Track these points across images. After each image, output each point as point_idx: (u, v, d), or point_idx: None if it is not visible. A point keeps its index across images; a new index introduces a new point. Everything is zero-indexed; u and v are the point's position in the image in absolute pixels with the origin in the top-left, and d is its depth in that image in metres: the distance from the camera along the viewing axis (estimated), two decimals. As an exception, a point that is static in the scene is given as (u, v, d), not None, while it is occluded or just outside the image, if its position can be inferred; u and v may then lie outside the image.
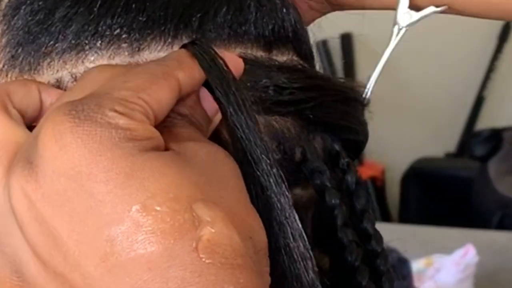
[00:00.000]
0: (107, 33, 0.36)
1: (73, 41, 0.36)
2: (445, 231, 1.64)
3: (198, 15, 0.37)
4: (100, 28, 0.36)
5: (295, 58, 0.39)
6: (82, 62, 0.36)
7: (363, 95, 0.41)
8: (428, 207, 2.16)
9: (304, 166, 0.38)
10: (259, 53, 0.38)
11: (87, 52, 0.36)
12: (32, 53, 0.37)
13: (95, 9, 0.36)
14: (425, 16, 0.42)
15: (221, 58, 0.34)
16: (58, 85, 0.36)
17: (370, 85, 0.42)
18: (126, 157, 0.29)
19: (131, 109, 0.30)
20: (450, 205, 2.11)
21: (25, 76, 0.37)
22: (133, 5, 0.36)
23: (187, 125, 0.33)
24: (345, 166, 0.39)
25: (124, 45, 0.36)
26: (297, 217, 0.32)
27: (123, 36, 0.36)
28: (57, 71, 0.36)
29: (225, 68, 0.34)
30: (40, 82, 0.36)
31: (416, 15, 0.42)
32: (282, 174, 0.32)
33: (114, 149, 0.29)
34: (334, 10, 0.44)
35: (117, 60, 0.36)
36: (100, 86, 0.32)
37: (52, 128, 0.30)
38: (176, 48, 0.36)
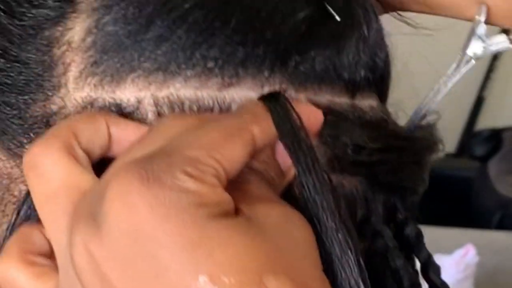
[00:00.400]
0: (200, 63, 0.34)
1: (163, 64, 0.34)
2: (445, 231, 1.64)
3: (297, 56, 0.35)
4: (194, 58, 0.34)
5: (375, 103, 0.38)
6: (168, 87, 0.34)
7: (439, 144, 0.41)
8: (428, 207, 2.16)
9: (365, 227, 0.37)
10: (344, 100, 0.37)
11: (175, 78, 0.34)
12: (118, 65, 0.35)
13: (193, 34, 0.34)
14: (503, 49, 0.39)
15: (296, 113, 0.33)
16: (138, 105, 0.34)
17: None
18: (194, 224, 0.28)
19: (202, 171, 0.29)
20: (450, 205, 2.11)
21: (105, 87, 0.34)
22: (234, 38, 0.34)
23: (259, 181, 0.32)
24: (403, 220, 0.39)
25: (215, 79, 0.34)
26: (363, 286, 0.31)
27: (216, 70, 0.34)
28: (140, 90, 0.34)
29: (298, 124, 0.33)
30: (109, 114, 0.34)
31: (493, 46, 0.39)
32: (349, 240, 0.31)
33: (182, 214, 0.28)
34: (386, 12, 0.42)
35: (203, 93, 0.34)
36: (172, 140, 0.31)
37: (119, 187, 0.29)
38: (267, 89, 0.35)
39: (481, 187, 2.11)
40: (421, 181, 0.40)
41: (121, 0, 0.35)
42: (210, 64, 0.34)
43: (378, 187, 0.38)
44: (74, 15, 0.35)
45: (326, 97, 0.36)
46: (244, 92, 0.34)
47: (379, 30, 0.38)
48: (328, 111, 0.35)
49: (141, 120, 0.35)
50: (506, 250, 1.54)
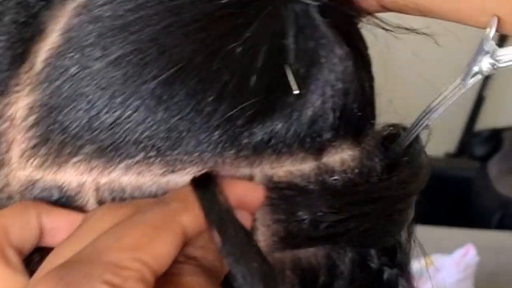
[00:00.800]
0: (142, 152, 0.33)
1: (104, 150, 0.34)
2: (445, 231, 1.64)
3: (247, 133, 0.33)
4: (134, 146, 0.33)
5: (349, 152, 0.36)
6: (109, 173, 0.33)
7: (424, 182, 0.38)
8: (428, 207, 2.16)
9: None
10: (307, 165, 0.35)
11: (116, 165, 0.33)
12: (60, 148, 0.34)
13: (133, 123, 0.33)
14: None
15: (224, 197, 0.31)
16: (80, 190, 0.34)
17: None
18: None
19: (124, 278, 0.28)
20: (450, 205, 2.11)
21: (47, 169, 0.34)
22: (178, 125, 0.33)
23: (196, 270, 0.31)
24: (379, 268, 0.37)
25: (158, 165, 0.33)
26: None
27: (158, 158, 0.33)
28: (81, 174, 0.34)
29: (226, 209, 0.31)
30: (39, 205, 0.33)
31: (501, 61, 0.36)
32: None
33: None
34: (383, 11, 0.40)
35: (146, 179, 0.33)
36: (97, 240, 0.29)
37: None
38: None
39: (481, 187, 2.11)
40: (399, 227, 0.38)
41: (65, 79, 0.34)
42: (151, 153, 0.33)
43: (343, 250, 0.36)
44: (18, 88, 0.35)
45: (283, 169, 0.34)
46: (189, 177, 0.33)
47: (346, 67, 0.35)
48: (285, 185, 0.34)
49: (83, 205, 0.34)
50: (506, 250, 1.54)
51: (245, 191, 0.33)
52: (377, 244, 0.37)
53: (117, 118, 0.33)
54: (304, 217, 0.34)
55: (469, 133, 2.36)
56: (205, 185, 0.32)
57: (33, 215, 0.33)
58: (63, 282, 0.27)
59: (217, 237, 0.30)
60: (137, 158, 0.33)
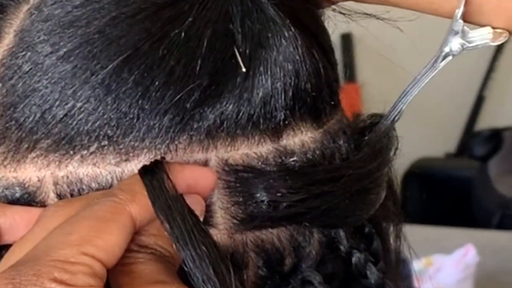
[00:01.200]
0: (94, 142, 0.34)
1: (58, 144, 0.34)
2: (445, 231, 1.64)
3: (198, 117, 0.34)
4: (87, 137, 0.34)
5: (308, 135, 0.36)
6: (66, 165, 0.34)
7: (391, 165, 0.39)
8: (428, 207, 2.16)
9: (293, 276, 0.36)
10: (265, 147, 0.35)
11: (72, 157, 0.34)
12: (17, 145, 0.35)
13: (83, 113, 0.34)
14: (482, 45, 0.37)
15: (171, 184, 0.32)
16: (40, 185, 0.34)
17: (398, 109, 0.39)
18: None
19: (73, 273, 0.28)
20: (450, 205, 2.11)
21: (7, 166, 0.35)
22: (127, 113, 0.34)
23: (149, 259, 0.31)
24: (348, 251, 0.37)
25: (111, 155, 0.34)
26: None
27: (111, 147, 0.34)
28: (40, 169, 0.34)
29: (172, 195, 0.31)
30: None
31: (471, 42, 0.36)
32: None
33: None
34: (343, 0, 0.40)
35: (102, 169, 0.34)
36: (46, 238, 0.30)
37: None
38: (169, 156, 0.34)
39: (481, 187, 2.12)
40: (366, 211, 0.38)
41: (19, 77, 0.35)
42: (104, 142, 0.34)
43: (308, 230, 0.36)
44: None
45: (239, 152, 0.35)
46: (145, 163, 0.33)
47: (296, 48, 0.35)
48: (242, 167, 0.34)
49: (44, 200, 0.35)
50: (506, 250, 1.54)
51: (195, 175, 0.33)
52: (343, 224, 0.37)
53: (69, 110, 0.34)
54: (263, 198, 0.35)
55: (469, 133, 2.36)
56: (152, 172, 0.32)
57: None
58: (13, 282, 0.28)
59: (165, 224, 0.31)
60: (91, 149, 0.34)
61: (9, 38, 0.35)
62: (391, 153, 0.39)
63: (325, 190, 0.35)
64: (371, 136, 0.38)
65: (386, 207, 0.40)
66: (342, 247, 0.37)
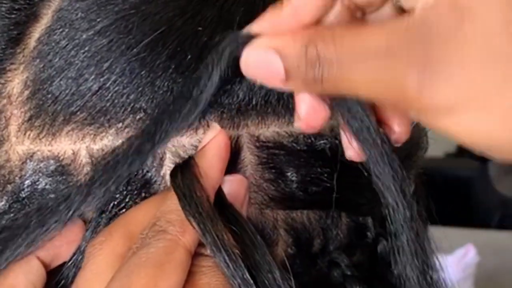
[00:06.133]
0: (130, 115, 0.35)
1: (94, 117, 0.35)
2: (445, 231, 1.63)
3: (227, 94, 0.35)
4: (122, 110, 0.35)
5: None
6: (101, 139, 0.35)
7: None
8: (428, 207, 2.16)
9: (321, 257, 0.36)
10: (296, 127, 0.35)
11: (107, 131, 0.35)
12: (53, 118, 0.35)
13: (120, 87, 0.35)
14: None
15: (202, 188, 0.32)
16: (74, 158, 0.35)
17: None
18: None
19: None
20: (450, 205, 2.11)
21: (43, 140, 0.35)
22: (161, 87, 0.34)
23: (210, 267, 0.31)
24: (375, 238, 0.38)
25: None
26: None
27: (147, 120, 0.34)
28: (75, 142, 0.35)
29: (203, 203, 0.32)
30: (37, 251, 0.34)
31: None
32: None
33: None
34: None
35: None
36: None
37: None
38: (201, 132, 0.34)
39: (481, 187, 2.11)
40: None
41: (56, 52, 0.35)
42: (139, 115, 0.34)
43: (337, 214, 0.37)
44: (14, 66, 0.36)
45: (270, 129, 0.35)
46: (177, 139, 0.35)
47: None
48: (272, 144, 0.35)
49: (78, 173, 0.35)
50: (506, 250, 1.54)
51: (231, 183, 0.34)
52: (370, 213, 0.38)
53: (104, 83, 0.34)
54: (293, 178, 0.35)
55: (469, 133, 2.36)
56: (182, 175, 0.32)
57: (34, 263, 0.34)
58: None
59: (197, 230, 0.31)
60: (126, 122, 0.34)
61: (47, 18, 0.36)
62: (419, 147, 0.40)
63: (352, 179, 0.36)
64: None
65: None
66: (369, 234, 0.38)
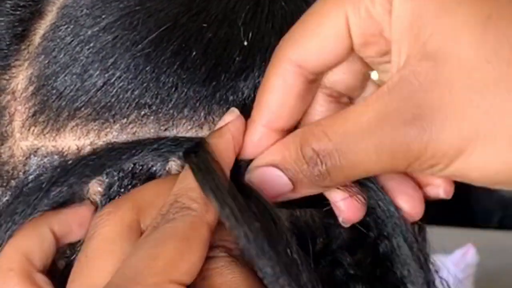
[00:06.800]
0: (134, 111, 0.35)
1: (98, 113, 0.35)
2: (445, 231, 1.64)
3: (231, 90, 0.35)
4: (127, 106, 0.35)
5: None
6: (105, 134, 0.35)
7: None
8: (428, 207, 2.15)
9: (324, 256, 0.36)
10: None
11: (111, 126, 0.35)
12: (57, 114, 0.35)
13: (125, 82, 0.35)
14: None
15: (218, 165, 0.32)
16: (79, 153, 0.35)
17: None
18: None
19: None
20: (450, 205, 2.10)
21: (47, 135, 0.35)
22: (165, 82, 0.35)
23: (227, 261, 0.31)
24: (376, 237, 0.38)
25: (151, 124, 0.35)
26: None
27: (151, 116, 0.35)
28: (79, 138, 0.35)
29: (220, 178, 0.32)
30: (49, 216, 0.34)
31: None
32: (293, 284, 0.30)
33: None
34: None
35: (141, 137, 0.34)
36: (129, 264, 0.30)
37: None
38: (206, 127, 0.34)
39: (481, 187, 2.11)
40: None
41: (60, 48, 0.36)
42: (143, 111, 0.35)
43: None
44: (18, 62, 0.36)
45: None
46: (182, 134, 0.35)
47: None
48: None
49: None
50: (506, 250, 1.54)
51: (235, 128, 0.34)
52: (372, 213, 0.37)
53: (109, 79, 0.35)
54: None
55: (469, 133, 2.36)
56: (196, 155, 0.33)
57: (46, 230, 0.34)
58: None
59: (215, 204, 0.31)
60: (131, 118, 0.35)
61: (52, 14, 0.36)
62: None
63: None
64: None
65: None
66: (371, 234, 0.38)
